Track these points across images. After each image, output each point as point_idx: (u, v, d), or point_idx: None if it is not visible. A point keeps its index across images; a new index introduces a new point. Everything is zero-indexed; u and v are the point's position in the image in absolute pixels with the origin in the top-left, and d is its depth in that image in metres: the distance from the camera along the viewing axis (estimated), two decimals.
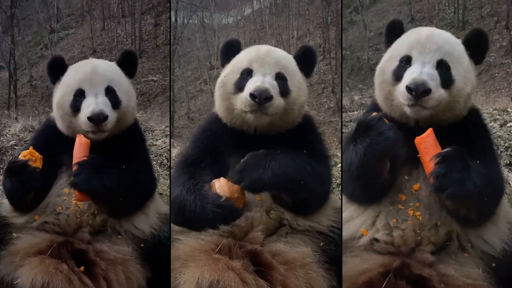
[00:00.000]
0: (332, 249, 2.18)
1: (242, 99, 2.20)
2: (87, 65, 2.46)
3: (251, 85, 2.20)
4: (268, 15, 6.91)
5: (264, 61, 2.28)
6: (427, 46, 2.10)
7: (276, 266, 2.04)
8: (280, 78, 2.27)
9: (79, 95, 2.35)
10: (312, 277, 2.07)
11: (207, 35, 6.84)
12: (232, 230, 2.14)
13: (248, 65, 2.29)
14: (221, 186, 2.15)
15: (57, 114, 2.42)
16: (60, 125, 2.43)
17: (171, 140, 4.03)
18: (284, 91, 2.26)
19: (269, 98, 2.16)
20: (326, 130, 5.39)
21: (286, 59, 2.36)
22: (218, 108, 2.37)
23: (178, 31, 6.25)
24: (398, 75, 2.11)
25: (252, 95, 2.16)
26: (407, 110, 2.06)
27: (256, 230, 2.16)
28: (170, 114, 5.35)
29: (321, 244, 2.19)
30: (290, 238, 2.17)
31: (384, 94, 2.18)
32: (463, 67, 2.11)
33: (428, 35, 2.14)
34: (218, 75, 2.46)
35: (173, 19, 6.19)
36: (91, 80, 2.36)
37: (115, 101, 2.37)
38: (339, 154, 3.72)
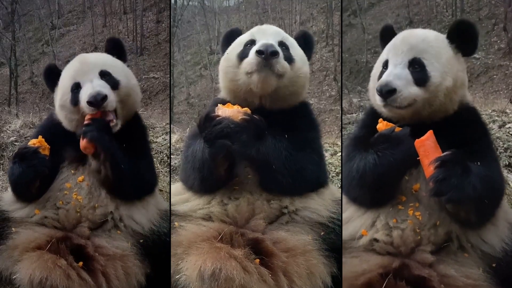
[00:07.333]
0: (332, 238, 2.20)
1: (248, 62, 2.24)
2: (76, 60, 2.49)
3: (257, 47, 2.25)
4: None
5: (265, 32, 2.38)
6: (399, 47, 2.15)
7: (277, 254, 2.07)
8: (283, 46, 2.34)
9: (76, 88, 2.36)
10: (313, 264, 2.10)
11: (208, 18, 6.64)
12: (234, 217, 2.18)
13: (250, 37, 2.37)
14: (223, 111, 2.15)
15: (62, 115, 2.43)
16: (68, 125, 2.43)
17: (171, 136, 4.03)
18: (288, 57, 2.31)
19: (275, 52, 2.21)
20: (327, 118, 5.34)
21: (285, 33, 2.44)
22: (222, 85, 2.42)
23: (178, 13, 6.17)
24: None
25: (258, 51, 2.20)
26: (383, 110, 2.14)
27: (258, 217, 2.19)
28: (170, 112, 5.34)
29: (322, 233, 2.21)
30: (291, 227, 2.20)
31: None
32: (441, 62, 2.11)
33: (404, 37, 2.19)
34: (218, 60, 2.50)
35: (172, 1, 6.10)
36: (82, 70, 2.38)
37: (113, 82, 2.38)
38: (339, 143, 3.72)
